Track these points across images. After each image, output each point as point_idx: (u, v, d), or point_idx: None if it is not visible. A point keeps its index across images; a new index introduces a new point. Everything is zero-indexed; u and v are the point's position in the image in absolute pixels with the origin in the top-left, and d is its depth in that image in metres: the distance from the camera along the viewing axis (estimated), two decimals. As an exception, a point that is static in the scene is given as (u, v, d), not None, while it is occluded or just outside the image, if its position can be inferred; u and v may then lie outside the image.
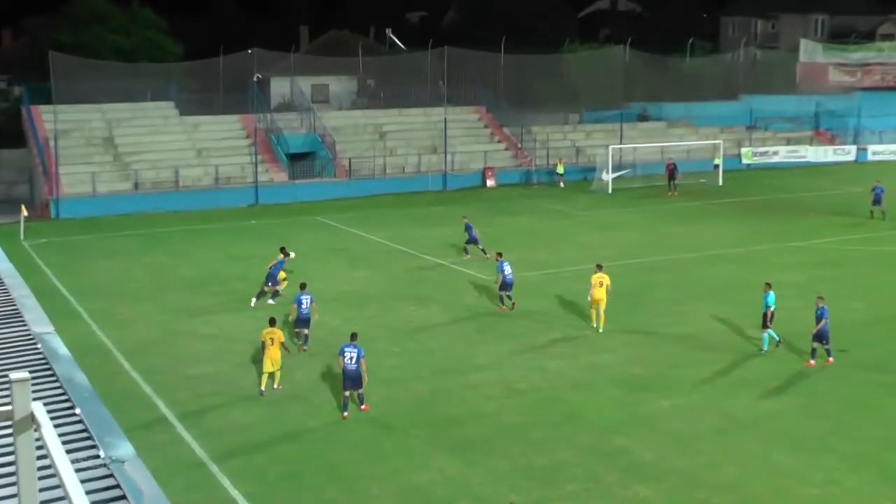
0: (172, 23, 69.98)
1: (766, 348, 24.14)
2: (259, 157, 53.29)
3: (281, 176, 54.10)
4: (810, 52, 76.81)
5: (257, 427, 19.95)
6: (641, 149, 60.95)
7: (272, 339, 21.82)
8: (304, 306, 24.75)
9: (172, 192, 50.57)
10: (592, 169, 57.84)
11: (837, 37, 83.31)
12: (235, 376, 22.98)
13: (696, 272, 33.42)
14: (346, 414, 20.28)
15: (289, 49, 63.96)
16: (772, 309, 24.04)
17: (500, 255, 29.44)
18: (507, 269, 28.29)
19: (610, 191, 54.02)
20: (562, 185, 57.12)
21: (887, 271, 33.29)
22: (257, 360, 23.05)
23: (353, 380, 20.35)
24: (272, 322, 22.68)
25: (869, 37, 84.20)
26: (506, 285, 28.37)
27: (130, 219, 46.64)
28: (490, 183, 57.33)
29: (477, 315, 28.20)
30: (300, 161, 54.74)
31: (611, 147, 56.34)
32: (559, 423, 19.81)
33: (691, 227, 42.59)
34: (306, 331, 24.86)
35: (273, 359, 21.83)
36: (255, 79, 59.29)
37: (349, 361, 20.37)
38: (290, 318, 25.53)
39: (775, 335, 24.24)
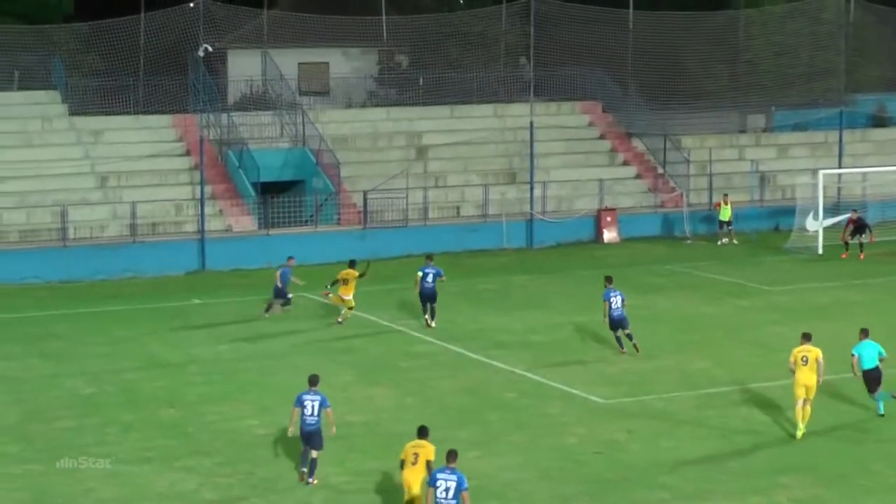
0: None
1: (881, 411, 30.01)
2: (208, 190, 53.62)
3: (245, 221, 54.41)
4: None
5: None
6: (877, 175, 60.61)
7: (416, 456, 22.79)
8: (309, 411, 25.92)
9: (55, 248, 50.84)
10: (789, 211, 57.91)
11: None
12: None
13: None
14: None
15: (259, 3, 64.50)
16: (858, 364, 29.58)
17: None
18: None
19: (821, 250, 53.86)
20: (727, 240, 56.79)
21: None
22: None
23: None
24: (422, 432, 23.24)
25: None
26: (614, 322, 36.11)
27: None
28: (610, 235, 57.64)
29: (585, 465, 27.73)
30: (279, 196, 55.04)
31: (822, 172, 56.33)
32: None
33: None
34: (315, 453, 25.94)
35: (412, 487, 22.72)
36: (200, 53, 59.58)
37: (444, 496, 21.23)
38: (290, 432, 26.80)
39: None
